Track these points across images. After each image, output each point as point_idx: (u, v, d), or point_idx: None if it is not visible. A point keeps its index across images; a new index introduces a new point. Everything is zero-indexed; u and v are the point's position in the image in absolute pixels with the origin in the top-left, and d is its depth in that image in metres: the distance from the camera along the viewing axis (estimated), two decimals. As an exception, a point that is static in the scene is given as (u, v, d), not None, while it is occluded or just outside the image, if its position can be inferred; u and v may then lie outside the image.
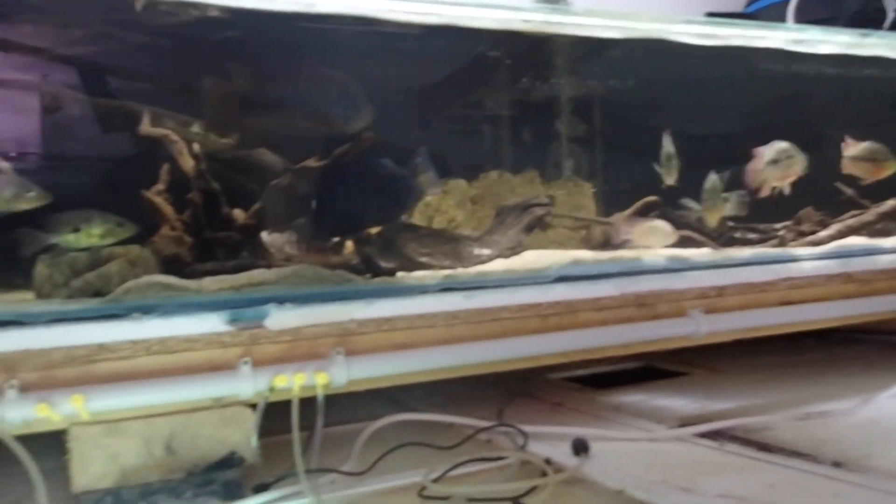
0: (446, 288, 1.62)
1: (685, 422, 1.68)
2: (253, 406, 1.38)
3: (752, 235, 2.52)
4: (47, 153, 2.16)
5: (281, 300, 1.45)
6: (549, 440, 1.56)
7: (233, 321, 1.40)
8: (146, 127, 1.94)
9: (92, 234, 1.64)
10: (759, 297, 1.94)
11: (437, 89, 2.59)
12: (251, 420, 1.38)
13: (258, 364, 1.39)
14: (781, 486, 1.29)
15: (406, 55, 2.21)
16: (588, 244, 2.39)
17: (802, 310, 2.00)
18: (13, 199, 1.60)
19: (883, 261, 2.14)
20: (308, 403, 1.39)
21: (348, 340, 1.49)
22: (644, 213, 2.36)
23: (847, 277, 2.07)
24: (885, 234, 2.38)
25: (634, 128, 2.79)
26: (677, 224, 2.27)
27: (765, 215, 2.49)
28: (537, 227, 2.14)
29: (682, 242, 2.22)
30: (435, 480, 1.32)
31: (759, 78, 2.66)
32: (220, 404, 1.37)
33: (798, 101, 2.82)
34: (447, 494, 1.28)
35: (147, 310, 1.36)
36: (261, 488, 1.34)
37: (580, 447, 1.48)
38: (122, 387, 1.31)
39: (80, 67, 2.10)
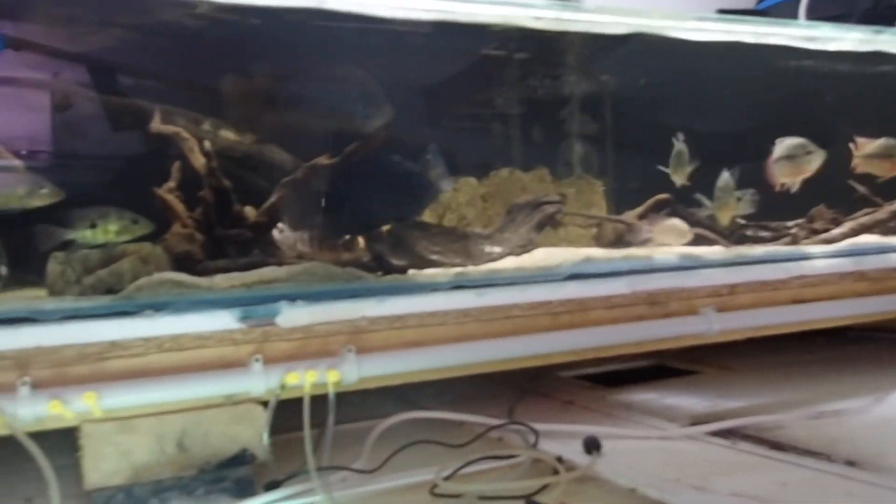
0: (457, 286, 1.62)
1: (697, 420, 1.67)
2: (264, 403, 1.38)
3: (764, 233, 2.51)
4: (58, 151, 2.16)
5: (292, 298, 1.45)
6: (560, 438, 1.55)
7: (244, 318, 1.40)
8: (157, 124, 1.94)
9: (108, 230, 1.64)
10: (772, 295, 1.93)
11: (447, 87, 2.58)
12: (263, 417, 1.38)
13: (269, 361, 1.39)
14: (794, 485, 1.29)
15: (416, 52, 2.20)
16: (599, 242, 2.38)
17: (815, 308, 1.98)
18: (27, 196, 1.61)
19: (896, 259, 2.13)
20: (319, 401, 1.39)
21: (359, 338, 1.49)
22: (656, 210, 2.36)
23: (860, 275, 2.06)
24: (899, 232, 2.37)
25: (645, 125, 2.77)
26: (690, 222, 2.26)
27: (779, 212, 2.48)
28: (548, 225, 2.14)
29: (695, 240, 2.21)
30: (446, 478, 1.32)
31: (771, 75, 2.64)
32: (232, 401, 1.37)
33: (810, 98, 2.81)
34: (459, 492, 1.28)
35: (159, 307, 1.36)
36: (272, 486, 1.34)
37: (592, 445, 1.47)
38: (135, 384, 1.31)
39: (90, 65, 2.10)
